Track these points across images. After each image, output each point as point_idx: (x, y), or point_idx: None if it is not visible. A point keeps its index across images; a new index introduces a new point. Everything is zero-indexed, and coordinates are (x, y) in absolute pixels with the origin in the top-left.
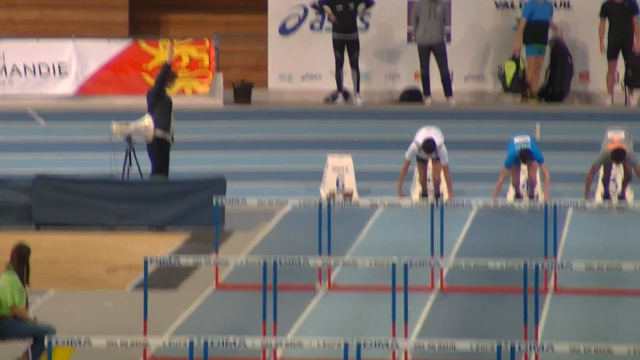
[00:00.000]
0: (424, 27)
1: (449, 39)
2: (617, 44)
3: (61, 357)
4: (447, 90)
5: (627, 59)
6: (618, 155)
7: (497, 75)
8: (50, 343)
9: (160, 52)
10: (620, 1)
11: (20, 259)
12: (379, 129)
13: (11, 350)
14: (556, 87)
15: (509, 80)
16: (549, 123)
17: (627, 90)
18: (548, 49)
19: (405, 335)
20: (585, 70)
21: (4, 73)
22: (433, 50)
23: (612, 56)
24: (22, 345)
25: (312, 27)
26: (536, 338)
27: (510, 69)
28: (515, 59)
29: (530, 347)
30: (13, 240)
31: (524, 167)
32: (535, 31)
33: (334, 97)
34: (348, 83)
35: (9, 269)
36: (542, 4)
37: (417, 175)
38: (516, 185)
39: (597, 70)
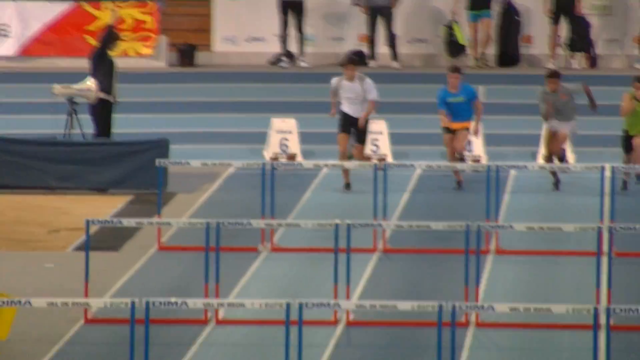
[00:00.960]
0: None
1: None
2: (560, 8)
3: (3, 317)
4: (393, 53)
5: (570, 23)
6: (551, 73)
7: (443, 38)
8: None
9: (104, 14)
10: None
11: None
12: (323, 91)
13: None
14: (509, 51)
15: (445, 44)
16: (495, 86)
17: (569, 53)
18: (499, 11)
19: (348, 296)
20: (528, 34)
21: None
22: (380, 13)
23: (555, 20)
24: None
25: None
26: (477, 299)
27: (445, 33)
28: (449, 24)
29: (471, 308)
30: None
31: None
32: None
33: (278, 60)
34: (293, 46)
35: None
36: None
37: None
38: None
39: (539, 33)
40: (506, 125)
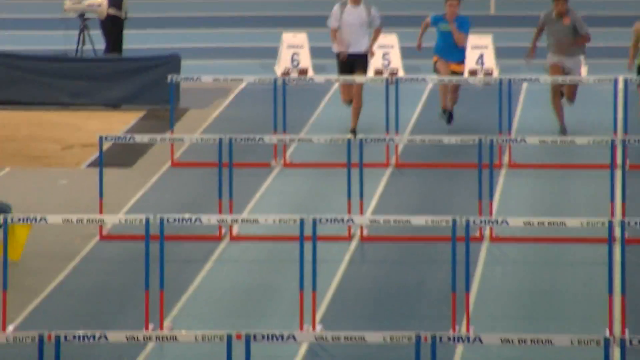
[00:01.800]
0: None
1: None
2: None
3: (19, 234)
4: None
5: None
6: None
7: None
8: (5, 220)
9: None
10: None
11: None
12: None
13: None
14: None
15: None
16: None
17: None
18: None
19: (361, 211)
20: None
21: None
22: None
23: None
24: None
25: None
26: (491, 213)
27: None
28: None
29: (485, 222)
30: None
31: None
32: None
33: None
34: None
35: None
36: None
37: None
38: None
39: None
40: (517, 38)
